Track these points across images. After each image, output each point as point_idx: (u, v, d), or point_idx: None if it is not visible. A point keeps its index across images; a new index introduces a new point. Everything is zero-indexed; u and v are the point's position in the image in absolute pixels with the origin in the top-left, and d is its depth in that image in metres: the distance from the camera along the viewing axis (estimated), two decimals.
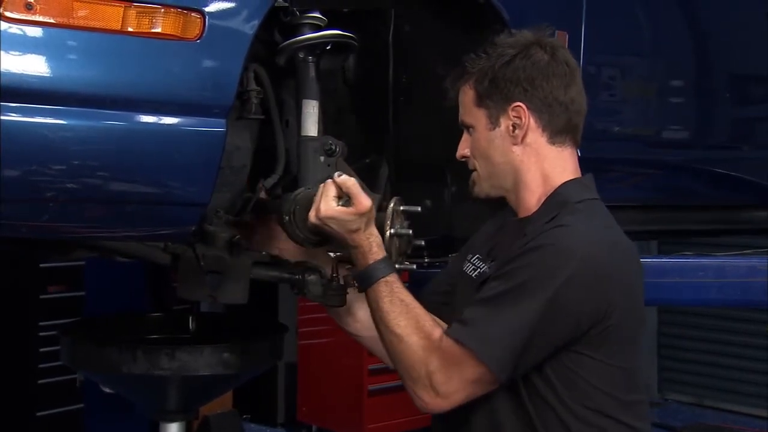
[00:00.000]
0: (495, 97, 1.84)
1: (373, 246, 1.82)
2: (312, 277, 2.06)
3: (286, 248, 2.14)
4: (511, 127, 1.83)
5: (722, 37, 3.16)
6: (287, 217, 1.95)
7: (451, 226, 2.50)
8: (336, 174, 1.84)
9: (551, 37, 1.87)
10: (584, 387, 1.73)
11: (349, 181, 1.81)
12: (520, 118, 1.82)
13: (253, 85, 1.97)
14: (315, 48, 2.02)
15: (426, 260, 2.65)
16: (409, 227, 1.89)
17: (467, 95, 1.89)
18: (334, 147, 2.03)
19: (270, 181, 2.11)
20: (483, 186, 1.91)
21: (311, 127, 2.04)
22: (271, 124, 2.10)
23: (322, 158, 2.03)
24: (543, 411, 1.74)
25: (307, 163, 2.04)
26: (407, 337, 1.75)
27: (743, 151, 3.41)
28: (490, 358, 1.68)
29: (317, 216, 1.82)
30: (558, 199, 1.82)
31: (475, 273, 1.91)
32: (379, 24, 2.44)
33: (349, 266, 1.97)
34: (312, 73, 2.04)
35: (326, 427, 5.51)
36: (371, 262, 1.81)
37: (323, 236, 1.91)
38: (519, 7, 2.29)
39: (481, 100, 1.86)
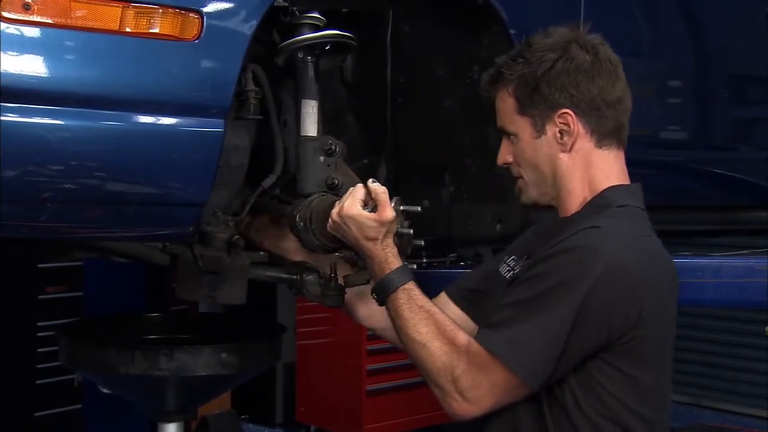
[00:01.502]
0: (540, 106, 1.77)
1: (389, 256, 1.80)
2: (310, 277, 2.06)
3: (287, 248, 2.14)
4: (558, 134, 1.78)
5: (722, 37, 3.16)
6: (302, 224, 1.94)
7: (450, 226, 2.50)
8: (370, 180, 1.82)
9: (588, 33, 1.81)
10: (605, 397, 1.68)
11: (380, 189, 1.80)
12: (567, 125, 1.77)
13: (251, 86, 1.97)
14: (314, 48, 2.02)
15: (425, 260, 2.65)
16: (409, 227, 1.89)
17: (507, 103, 1.82)
18: (333, 147, 2.03)
19: (268, 181, 2.11)
20: (531, 194, 1.85)
21: (310, 127, 2.04)
22: (269, 124, 2.10)
23: (321, 158, 2.03)
24: (558, 415, 1.70)
25: (306, 163, 2.03)
26: (429, 343, 1.71)
27: (742, 151, 3.41)
28: (519, 366, 1.64)
29: (339, 213, 1.81)
30: (601, 203, 1.77)
31: (509, 274, 1.88)
32: (377, 24, 2.44)
33: (356, 268, 1.97)
34: (311, 73, 2.04)
35: (325, 427, 5.50)
36: (388, 272, 1.79)
37: (338, 242, 1.89)
38: (517, 7, 2.29)
39: (524, 109, 1.79)
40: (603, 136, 1.80)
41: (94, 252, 2.41)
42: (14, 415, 4.33)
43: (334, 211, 1.82)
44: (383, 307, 1.83)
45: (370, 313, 2.04)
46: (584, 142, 1.79)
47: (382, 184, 2.41)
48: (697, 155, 3.21)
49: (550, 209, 1.88)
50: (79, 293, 4.50)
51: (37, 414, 4.37)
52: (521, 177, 1.85)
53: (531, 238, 1.96)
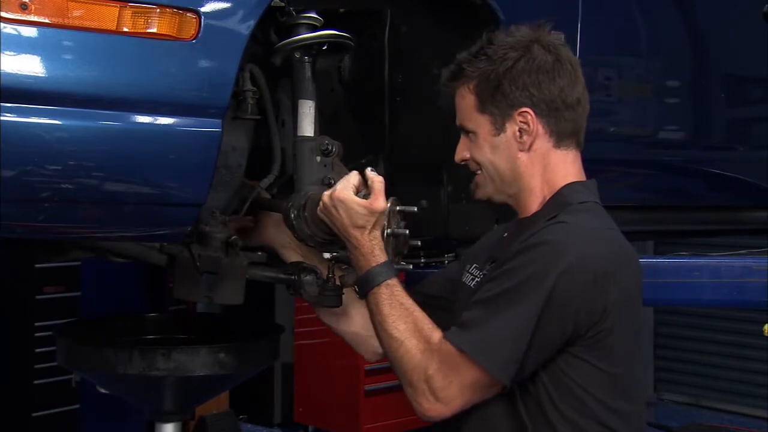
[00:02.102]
0: (500, 104, 1.78)
1: (375, 249, 1.79)
2: (308, 278, 2.06)
3: (285, 248, 2.13)
4: (517, 133, 1.78)
5: (720, 37, 3.16)
6: (295, 212, 1.94)
7: (447, 226, 2.50)
8: (369, 168, 1.83)
9: (550, 33, 1.81)
10: (576, 391, 1.70)
11: (377, 178, 1.80)
12: (527, 123, 1.77)
13: (249, 85, 1.97)
14: (311, 48, 2.02)
15: (422, 260, 2.65)
16: (405, 227, 1.89)
17: (467, 100, 1.82)
18: (330, 147, 2.03)
19: (266, 181, 2.11)
20: (487, 190, 1.86)
21: (307, 127, 2.04)
22: (267, 124, 2.10)
23: (318, 158, 2.03)
24: (534, 413, 1.71)
25: (303, 163, 2.03)
26: (407, 341, 1.71)
27: (740, 151, 3.41)
28: (490, 363, 1.65)
29: (331, 195, 1.80)
30: (560, 200, 1.79)
31: (473, 282, 1.90)
32: (375, 24, 2.44)
33: (346, 266, 1.97)
34: (308, 73, 2.04)
35: (323, 427, 5.50)
36: (373, 265, 1.78)
37: (329, 234, 1.89)
38: (515, 7, 2.29)
39: (484, 106, 1.79)
40: (561, 137, 1.81)
41: (91, 252, 2.41)
42: (12, 415, 4.33)
43: (326, 194, 1.82)
44: (362, 319, 1.86)
45: (349, 319, 2.06)
46: (543, 142, 1.79)
47: None
48: (696, 155, 3.21)
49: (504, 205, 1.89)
50: (77, 293, 4.50)
51: (34, 414, 4.38)
52: (478, 173, 1.87)
53: (491, 242, 1.98)
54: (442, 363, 1.68)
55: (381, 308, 1.76)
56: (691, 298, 2.76)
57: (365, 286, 1.80)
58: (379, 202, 1.78)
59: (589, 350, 1.69)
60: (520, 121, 1.78)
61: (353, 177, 1.82)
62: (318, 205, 1.87)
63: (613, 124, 2.92)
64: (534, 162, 1.80)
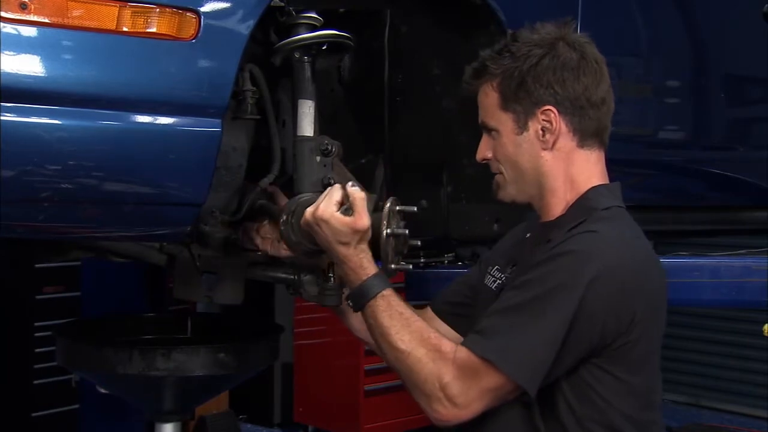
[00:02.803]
0: (523, 101, 1.75)
1: (363, 261, 1.74)
2: (308, 277, 2.06)
3: (286, 253, 2.12)
4: (540, 132, 1.75)
5: (720, 37, 3.16)
6: (285, 217, 1.91)
7: (447, 226, 2.50)
8: (350, 183, 1.77)
9: (575, 32, 1.79)
10: (598, 402, 1.67)
11: (358, 194, 1.74)
12: (550, 122, 1.74)
13: (248, 85, 1.97)
14: (311, 48, 2.02)
15: (422, 260, 2.65)
16: (405, 227, 1.89)
17: (490, 97, 1.79)
18: (330, 147, 2.03)
19: (266, 181, 2.10)
20: (509, 191, 1.82)
21: (307, 127, 2.03)
22: (267, 124, 2.10)
23: (318, 158, 2.02)
24: (553, 425, 1.68)
25: (303, 164, 2.03)
26: (414, 351, 1.67)
27: (740, 151, 3.41)
28: (518, 372, 1.61)
29: (313, 213, 1.75)
30: (585, 205, 1.75)
31: (495, 284, 1.87)
32: (375, 24, 2.43)
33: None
34: (308, 73, 2.04)
35: (322, 427, 5.50)
36: (364, 278, 1.74)
37: (314, 244, 1.84)
38: (515, 7, 2.29)
39: (507, 104, 1.76)
40: (585, 136, 1.77)
41: (91, 252, 2.42)
42: (12, 415, 4.33)
43: (309, 210, 1.77)
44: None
45: (355, 326, 2.02)
46: (566, 141, 1.76)
47: (380, 185, 2.43)
48: (696, 155, 3.21)
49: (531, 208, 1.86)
50: (77, 293, 4.50)
51: (34, 414, 4.37)
52: (500, 173, 1.83)
53: (512, 244, 1.94)
54: (458, 370, 1.64)
55: (380, 320, 1.71)
56: (690, 298, 2.75)
57: (359, 300, 1.75)
58: (363, 220, 1.73)
59: (615, 361, 1.66)
60: (543, 120, 1.74)
61: (336, 193, 1.76)
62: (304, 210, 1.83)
63: (613, 124, 2.90)
64: (557, 161, 1.76)
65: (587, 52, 1.76)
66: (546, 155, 1.76)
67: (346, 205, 1.75)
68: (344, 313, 2.09)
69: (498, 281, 1.86)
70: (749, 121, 3.48)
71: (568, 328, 1.61)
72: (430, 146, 2.42)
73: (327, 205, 1.75)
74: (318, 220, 1.75)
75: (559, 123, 1.74)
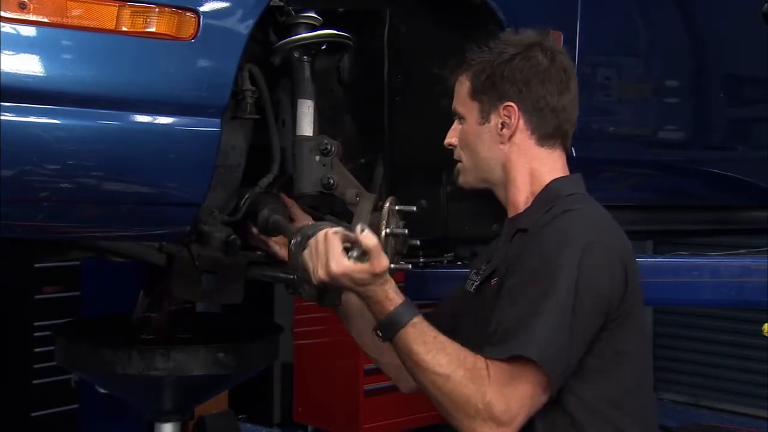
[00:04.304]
0: (489, 93, 1.85)
1: (389, 293, 1.71)
2: None
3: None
4: (499, 125, 1.85)
5: (720, 37, 3.16)
6: (298, 238, 1.82)
7: (446, 225, 2.50)
8: (359, 228, 1.70)
9: (553, 41, 1.88)
10: (600, 381, 1.71)
11: (371, 241, 1.68)
12: (510, 117, 1.84)
13: (248, 85, 1.97)
14: (310, 47, 2.02)
15: (422, 260, 2.65)
16: (404, 227, 1.89)
17: (463, 85, 1.91)
18: (329, 147, 2.03)
19: (265, 181, 2.10)
20: (467, 177, 1.94)
21: (306, 126, 2.04)
22: (266, 124, 2.10)
23: (317, 158, 2.03)
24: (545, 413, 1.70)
25: (302, 163, 2.03)
26: (454, 374, 1.65)
27: (740, 151, 3.41)
28: (544, 358, 1.62)
29: (327, 273, 1.70)
30: (549, 194, 1.83)
31: (473, 286, 1.91)
32: (374, 24, 2.43)
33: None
34: (307, 72, 2.04)
35: (322, 427, 5.51)
36: (392, 308, 1.71)
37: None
38: (515, 7, 2.29)
39: (475, 93, 1.88)
40: (544, 137, 1.86)
41: (91, 252, 2.41)
42: (11, 415, 4.33)
43: (320, 273, 1.71)
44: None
45: (361, 331, 2.05)
46: (523, 138, 1.85)
47: (379, 184, 2.43)
48: (695, 155, 3.21)
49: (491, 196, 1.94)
50: (76, 293, 4.50)
51: (33, 414, 4.38)
52: (461, 160, 1.93)
53: (491, 247, 2.00)
54: (494, 383, 1.64)
55: (414, 348, 1.69)
56: (690, 297, 2.75)
57: (388, 331, 1.72)
58: (382, 264, 1.68)
59: (618, 330, 1.70)
60: (504, 114, 1.85)
61: (334, 242, 1.69)
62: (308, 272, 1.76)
63: (613, 124, 2.92)
64: (516, 154, 1.86)
65: (558, 60, 1.85)
66: (503, 148, 1.87)
67: (353, 251, 1.70)
68: (345, 315, 2.10)
69: (475, 282, 1.91)
70: (749, 121, 3.48)
71: (573, 308, 1.64)
72: (430, 146, 2.41)
73: (337, 260, 1.69)
74: (336, 277, 1.70)
75: (518, 120, 1.84)
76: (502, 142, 1.86)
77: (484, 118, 1.87)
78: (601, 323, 1.69)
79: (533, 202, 1.85)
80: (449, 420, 1.69)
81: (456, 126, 1.94)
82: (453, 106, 1.94)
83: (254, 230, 2.09)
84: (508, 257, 1.81)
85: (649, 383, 1.87)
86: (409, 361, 1.71)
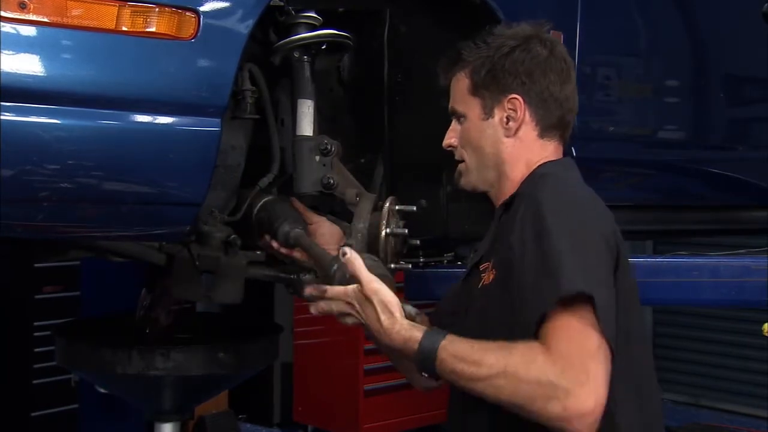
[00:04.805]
0: (492, 87, 1.82)
1: (414, 332, 1.66)
2: (307, 277, 2.06)
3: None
4: (505, 119, 1.82)
5: (720, 37, 3.16)
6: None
7: (446, 225, 2.50)
8: (343, 247, 1.73)
9: (549, 33, 1.86)
10: None
11: (392, 300, 1.69)
12: (515, 110, 1.81)
13: (248, 85, 1.97)
14: (310, 47, 2.02)
15: (421, 260, 2.65)
16: (404, 227, 1.89)
17: (461, 83, 1.87)
18: (329, 146, 2.03)
19: (265, 181, 2.10)
20: (470, 178, 1.89)
21: (306, 126, 2.04)
22: (266, 124, 2.10)
23: (317, 158, 2.03)
24: None
25: (302, 163, 2.03)
26: (508, 368, 1.53)
27: (740, 151, 3.41)
28: (576, 287, 1.52)
29: (362, 291, 1.70)
30: (535, 177, 1.80)
31: (465, 276, 1.90)
32: (374, 23, 2.43)
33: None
34: (307, 72, 2.04)
35: (322, 427, 5.50)
36: (416, 347, 1.64)
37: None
38: (514, 7, 2.29)
39: (476, 89, 1.84)
40: (546, 128, 1.84)
41: (90, 251, 2.41)
42: (11, 415, 4.33)
43: (353, 288, 1.71)
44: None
45: (408, 369, 1.93)
46: (528, 130, 1.83)
47: (379, 184, 2.43)
48: (696, 155, 3.21)
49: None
50: (76, 293, 4.50)
51: (33, 414, 4.38)
52: (463, 161, 1.89)
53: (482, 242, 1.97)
54: (550, 350, 1.51)
55: (458, 369, 1.59)
56: (690, 297, 2.75)
57: (428, 365, 1.64)
58: (371, 285, 1.69)
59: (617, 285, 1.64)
60: (509, 108, 1.82)
61: (359, 266, 1.71)
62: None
63: (613, 123, 2.92)
64: (517, 149, 1.83)
65: (556, 51, 1.84)
66: (508, 142, 1.83)
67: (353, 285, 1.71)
68: (394, 359, 2.07)
69: (468, 273, 1.88)
70: (749, 121, 3.48)
71: (582, 235, 1.61)
72: (430, 146, 2.41)
73: (367, 278, 1.71)
74: (369, 293, 1.70)
75: (524, 112, 1.82)
76: (507, 136, 1.83)
77: (488, 113, 1.84)
78: (612, 262, 1.63)
79: (522, 184, 1.81)
80: (539, 419, 1.52)
81: (455, 126, 1.91)
82: (450, 106, 1.91)
83: (275, 245, 2.06)
84: (496, 237, 1.79)
85: (653, 376, 1.78)
86: (459, 384, 1.62)
